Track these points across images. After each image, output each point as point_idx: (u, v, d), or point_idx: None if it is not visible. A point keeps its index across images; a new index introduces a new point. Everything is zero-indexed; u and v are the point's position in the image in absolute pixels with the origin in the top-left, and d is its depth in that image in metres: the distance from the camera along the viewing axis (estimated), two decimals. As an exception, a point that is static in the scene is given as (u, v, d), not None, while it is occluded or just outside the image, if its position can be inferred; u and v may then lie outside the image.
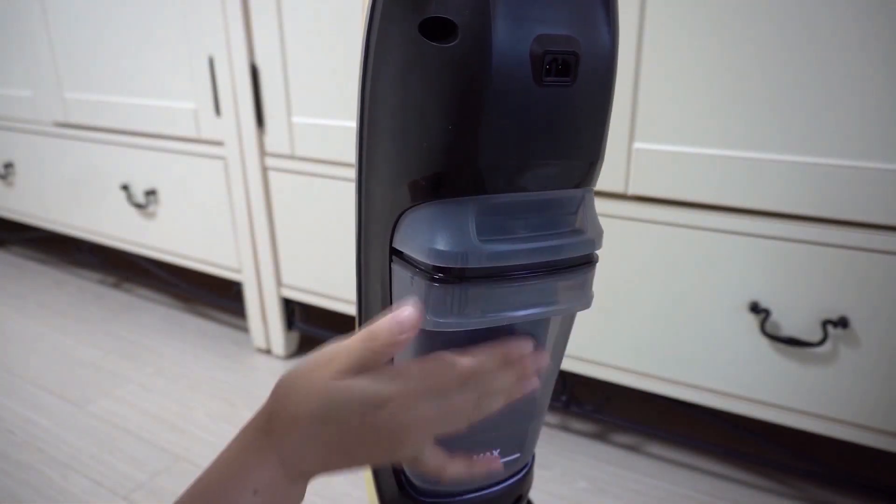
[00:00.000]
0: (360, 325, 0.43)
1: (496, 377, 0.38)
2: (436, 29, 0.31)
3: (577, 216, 0.38)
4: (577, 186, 0.37)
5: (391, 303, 0.39)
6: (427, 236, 0.34)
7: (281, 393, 0.38)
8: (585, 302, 0.40)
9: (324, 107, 1.03)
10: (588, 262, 0.39)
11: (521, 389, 0.40)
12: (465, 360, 0.37)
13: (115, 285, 1.65)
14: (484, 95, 0.31)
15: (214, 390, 1.20)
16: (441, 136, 0.32)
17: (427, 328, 0.36)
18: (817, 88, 0.70)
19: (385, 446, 0.38)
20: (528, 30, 0.31)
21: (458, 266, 0.34)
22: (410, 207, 0.35)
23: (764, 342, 0.80)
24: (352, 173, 1.05)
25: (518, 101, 0.32)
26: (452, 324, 0.36)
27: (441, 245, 0.34)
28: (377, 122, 0.35)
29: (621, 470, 0.96)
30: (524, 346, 0.38)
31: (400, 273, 0.37)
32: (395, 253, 0.37)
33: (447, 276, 0.34)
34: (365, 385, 0.36)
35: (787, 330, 0.79)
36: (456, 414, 0.38)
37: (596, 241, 0.38)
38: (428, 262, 0.35)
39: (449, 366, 0.37)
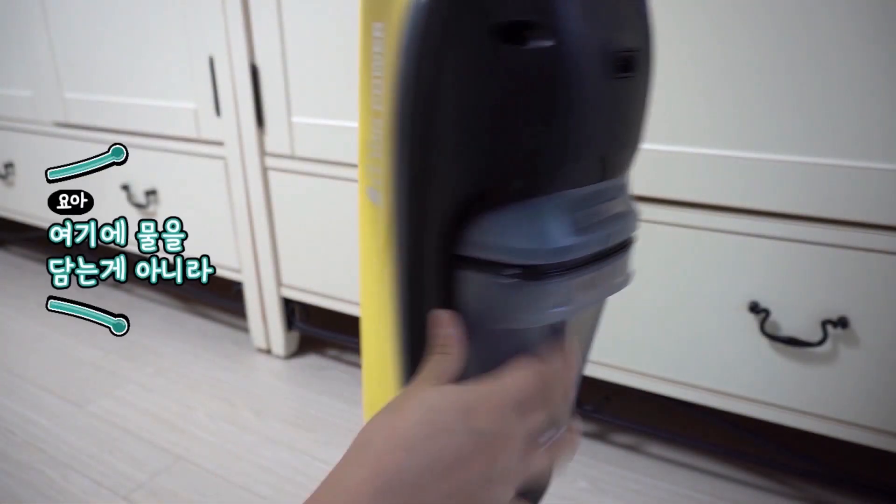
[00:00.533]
0: (407, 348, 0.41)
1: (561, 390, 0.37)
2: (510, 32, 0.31)
3: (628, 197, 0.40)
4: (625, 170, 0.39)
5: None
6: (514, 236, 0.34)
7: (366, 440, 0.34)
8: (630, 279, 0.41)
9: (324, 107, 1.03)
10: (633, 239, 0.40)
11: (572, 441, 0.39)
12: (545, 366, 0.36)
13: (116, 285, 1.66)
14: (565, 94, 0.31)
15: (214, 390, 1.20)
16: (525, 139, 0.32)
17: (513, 327, 0.36)
18: (817, 88, 0.70)
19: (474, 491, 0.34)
20: (599, 27, 0.32)
21: (548, 262, 0.34)
22: (485, 211, 0.35)
23: (763, 342, 0.80)
24: (352, 173, 1.05)
25: (594, 96, 0.32)
26: (538, 319, 0.36)
27: (530, 243, 0.34)
28: (436, 134, 0.34)
29: (621, 470, 0.96)
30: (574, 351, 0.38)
31: (475, 279, 0.36)
32: (461, 260, 0.36)
33: (534, 273, 0.35)
34: (459, 392, 0.35)
35: (787, 330, 0.79)
36: (536, 443, 0.36)
37: (639, 217, 0.41)
38: (518, 261, 0.34)
39: (534, 374, 0.35)
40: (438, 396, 0.35)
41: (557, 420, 0.37)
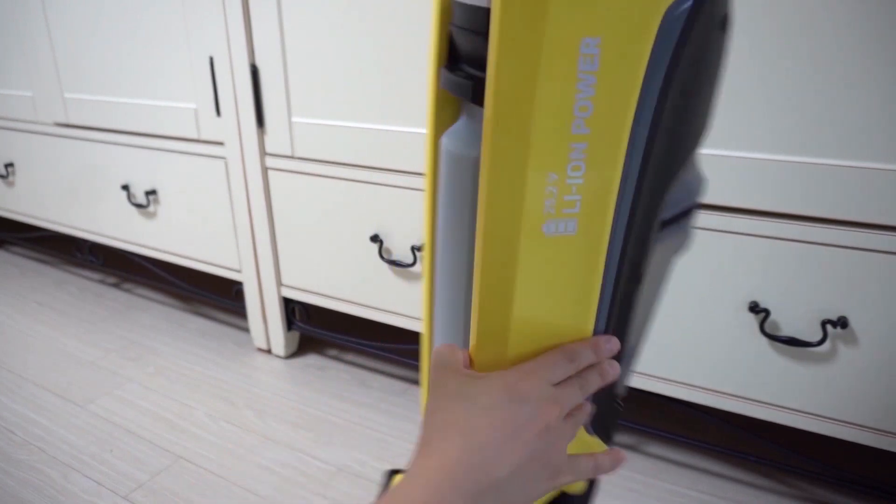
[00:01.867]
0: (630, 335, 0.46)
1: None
2: (723, 23, 0.38)
3: None
4: None
5: (642, 279, 0.43)
6: (697, 178, 0.44)
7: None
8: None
9: (323, 107, 1.03)
10: None
11: (611, 372, 0.44)
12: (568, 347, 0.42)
13: (115, 285, 1.66)
14: (726, 63, 0.41)
15: (214, 390, 1.20)
16: (714, 102, 0.42)
17: (677, 251, 0.46)
18: (817, 88, 0.70)
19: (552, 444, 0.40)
20: None
21: (700, 199, 0.46)
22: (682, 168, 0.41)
23: (763, 342, 0.81)
24: (353, 172, 1.04)
25: None
26: (689, 242, 0.47)
27: (699, 188, 0.45)
28: (686, 124, 0.40)
29: (621, 470, 0.96)
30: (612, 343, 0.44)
31: (674, 231, 0.44)
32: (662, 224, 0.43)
33: (693, 209, 0.45)
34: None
35: (787, 330, 0.79)
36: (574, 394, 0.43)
37: None
38: (701, 196, 0.45)
39: (561, 350, 0.42)
40: (484, 384, 0.40)
41: (587, 389, 0.43)
